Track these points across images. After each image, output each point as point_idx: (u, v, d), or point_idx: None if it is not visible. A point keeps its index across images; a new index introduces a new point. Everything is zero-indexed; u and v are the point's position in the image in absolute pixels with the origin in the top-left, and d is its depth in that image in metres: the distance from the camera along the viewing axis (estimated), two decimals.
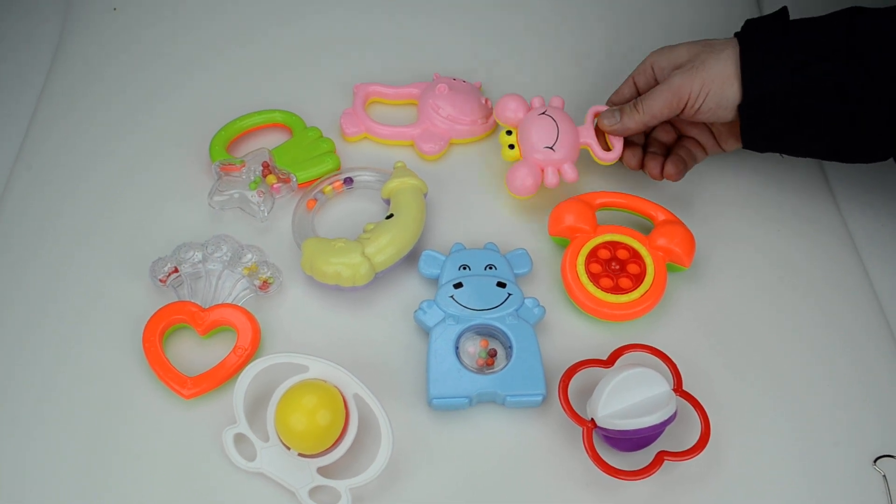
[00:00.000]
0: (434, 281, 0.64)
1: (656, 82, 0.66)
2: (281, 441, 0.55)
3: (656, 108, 0.64)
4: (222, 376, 0.59)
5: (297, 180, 0.68)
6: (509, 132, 0.68)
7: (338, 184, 0.69)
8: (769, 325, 0.64)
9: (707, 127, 0.69)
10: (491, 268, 0.64)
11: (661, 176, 0.67)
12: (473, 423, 0.59)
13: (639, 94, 0.68)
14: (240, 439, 0.56)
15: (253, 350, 0.60)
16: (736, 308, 0.65)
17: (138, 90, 0.77)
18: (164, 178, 0.71)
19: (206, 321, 0.61)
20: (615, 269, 0.63)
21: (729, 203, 0.71)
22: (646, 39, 0.73)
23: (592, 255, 0.64)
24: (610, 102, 0.70)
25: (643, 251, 0.64)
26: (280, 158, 0.69)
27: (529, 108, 0.68)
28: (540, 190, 0.67)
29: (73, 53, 0.80)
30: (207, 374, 0.59)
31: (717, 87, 0.62)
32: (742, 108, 0.62)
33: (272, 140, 0.73)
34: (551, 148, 0.66)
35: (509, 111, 0.68)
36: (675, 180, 0.67)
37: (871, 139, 0.62)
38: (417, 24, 0.84)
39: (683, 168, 0.67)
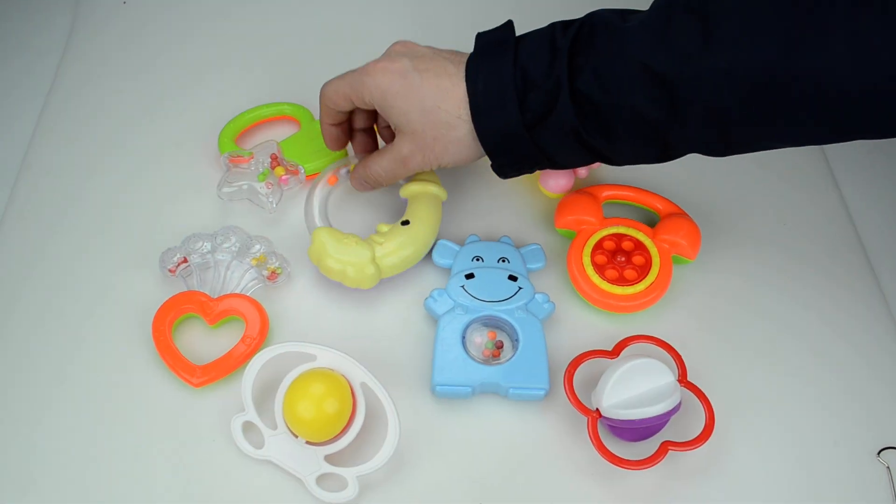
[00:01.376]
0: (447, 271, 0.65)
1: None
2: (289, 429, 0.56)
3: (383, 175, 0.63)
4: (231, 365, 0.59)
5: (305, 172, 0.69)
6: None
7: None
8: (773, 317, 0.65)
9: None
10: (504, 261, 0.64)
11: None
12: (480, 412, 0.59)
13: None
14: (248, 427, 0.57)
15: (261, 339, 0.60)
16: (740, 300, 0.65)
17: (148, 83, 0.78)
18: (174, 171, 0.71)
19: (214, 311, 0.61)
20: (621, 260, 0.64)
21: (734, 196, 0.71)
22: None
23: (598, 247, 0.64)
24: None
25: (649, 243, 0.64)
26: (288, 150, 0.70)
27: None
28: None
29: (82, 47, 0.81)
30: (216, 362, 0.59)
31: (452, 152, 0.59)
32: (488, 153, 0.58)
33: (280, 132, 0.73)
34: None
35: None
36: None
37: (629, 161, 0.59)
38: (426, 16, 0.84)
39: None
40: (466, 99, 0.56)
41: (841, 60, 0.47)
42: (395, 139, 0.61)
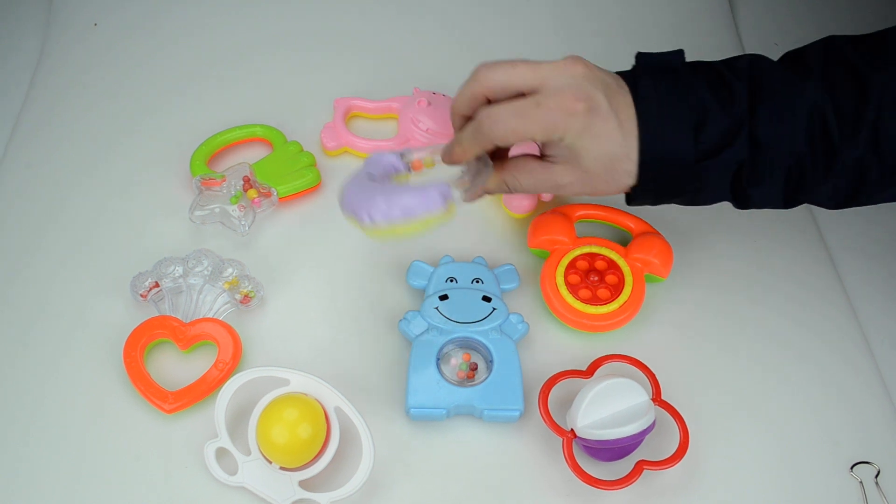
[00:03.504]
0: (420, 292, 0.65)
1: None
2: (262, 455, 0.55)
3: (528, 190, 0.59)
4: (203, 391, 0.59)
5: (277, 194, 0.68)
6: None
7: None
8: (746, 334, 0.65)
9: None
10: (478, 281, 0.64)
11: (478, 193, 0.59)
12: (455, 434, 0.59)
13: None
14: (221, 453, 0.56)
15: (234, 364, 0.60)
16: (713, 318, 0.66)
17: (119, 105, 0.77)
18: (145, 194, 0.71)
19: (187, 336, 0.61)
20: (594, 280, 0.64)
21: (706, 215, 0.71)
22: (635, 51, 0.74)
23: (571, 267, 0.65)
24: (451, 156, 0.59)
25: (621, 262, 0.65)
26: (261, 173, 0.70)
27: None
28: None
29: (53, 69, 0.80)
30: (189, 388, 0.59)
31: (611, 188, 0.57)
32: (640, 178, 0.56)
33: (253, 154, 0.73)
34: None
35: None
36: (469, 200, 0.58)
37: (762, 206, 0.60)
38: (398, 39, 0.84)
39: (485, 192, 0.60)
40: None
41: None
42: (557, 167, 0.57)
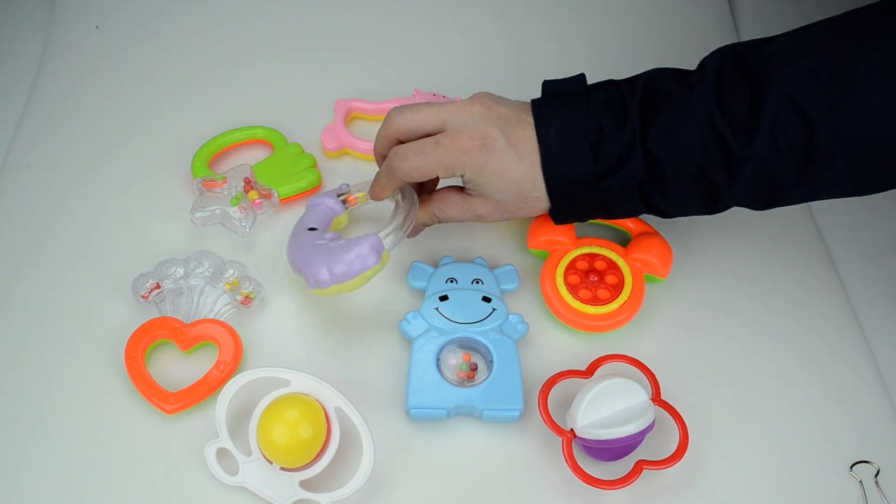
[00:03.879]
0: (421, 293, 0.65)
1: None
2: (263, 455, 0.56)
3: (455, 217, 0.63)
4: (204, 391, 0.59)
5: (278, 196, 0.69)
6: None
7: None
8: (745, 333, 0.65)
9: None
10: (478, 282, 0.64)
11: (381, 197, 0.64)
12: (455, 434, 0.59)
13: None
14: (222, 454, 0.56)
15: (235, 365, 0.60)
16: (713, 318, 0.66)
17: (121, 108, 0.78)
18: (147, 195, 0.71)
19: (188, 336, 0.61)
20: (594, 280, 0.64)
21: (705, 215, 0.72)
22: (635, 57, 0.74)
23: (571, 267, 0.65)
24: (373, 193, 0.64)
25: (621, 263, 0.65)
26: (261, 174, 0.70)
27: None
28: None
29: (55, 71, 0.81)
30: (190, 389, 0.59)
31: (528, 213, 0.61)
32: (550, 200, 0.59)
33: (254, 156, 0.73)
34: None
35: None
36: (410, 237, 0.65)
37: (684, 214, 0.61)
38: (398, 40, 0.84)
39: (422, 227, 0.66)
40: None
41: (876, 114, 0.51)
42: (474, 199, 0.61)
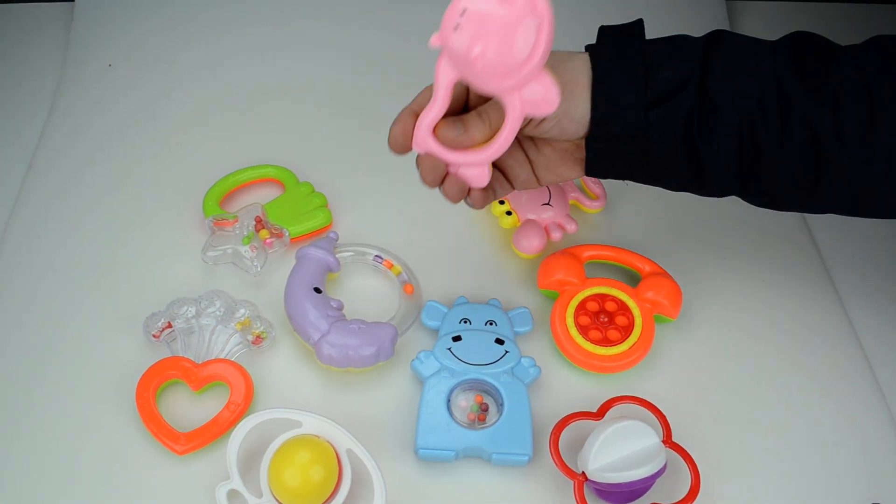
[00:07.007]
0: (434, 332, 0.65)
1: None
2: (274, 497, 0.55)
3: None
4: (216, 432, 0.59)
5: (289, 235, 0.69)
6: (501, 201, 0.70)
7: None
8: (756, 374, 0.65)
9: (525, 156, 0.61)
10: (491, 323, 0.64)
11: (459, 199, 0.58)
12: (466, 477, 0.59)
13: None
14: (233, 495, 0.56)
15: (246, 405, 0.60)
16: (723, 358, 0.66)
17: (132, 146, 0.79)
18: (159, 234, 0.72)
19: (199, 376, 0.61)
20: (604, 321, 0.64)
21: (713, 255, 0.72)
22: None
23: (581, 308, 0.65)
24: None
25: (631, 303, 0.65)
26: (272, 213, 0.70)
27: None
28: None
29: (68, 108, 0.81)
30: (201, 429, 0.59)
31: (567, 95, 0.55)
32: (591, 128, 0.56)
33: (265, 195, 0.74)
34: (548, 204, 0.69)
35: None
36: (479, 207, 0.60)
37: (720, 179, 0.59)
38: (408, 80, 0.85)
39: (488, 197, 0.61)
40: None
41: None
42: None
